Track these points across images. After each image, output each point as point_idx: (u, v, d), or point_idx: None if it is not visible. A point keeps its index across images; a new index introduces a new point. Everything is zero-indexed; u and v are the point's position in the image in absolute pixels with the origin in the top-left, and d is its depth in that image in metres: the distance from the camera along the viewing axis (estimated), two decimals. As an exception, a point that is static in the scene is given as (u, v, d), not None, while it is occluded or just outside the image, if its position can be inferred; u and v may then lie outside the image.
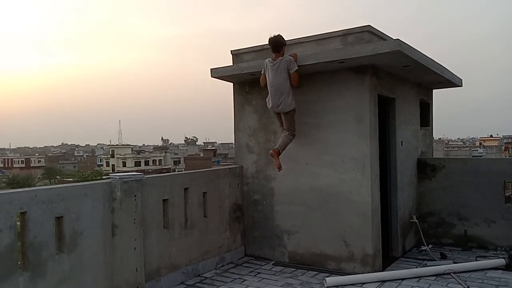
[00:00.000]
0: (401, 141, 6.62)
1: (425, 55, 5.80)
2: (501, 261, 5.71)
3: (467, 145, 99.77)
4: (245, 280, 5.54)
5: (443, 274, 5.47)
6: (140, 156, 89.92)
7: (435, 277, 5.42)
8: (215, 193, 6.13)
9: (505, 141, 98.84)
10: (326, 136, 5.85)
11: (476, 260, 6.07)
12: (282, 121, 5.82)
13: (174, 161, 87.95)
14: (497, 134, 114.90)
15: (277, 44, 5.60)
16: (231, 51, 6.73)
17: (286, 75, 5.49)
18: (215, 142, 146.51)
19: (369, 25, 5.54)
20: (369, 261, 5.57)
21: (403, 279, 5.37)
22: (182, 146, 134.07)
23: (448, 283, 5.23)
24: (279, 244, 6.31)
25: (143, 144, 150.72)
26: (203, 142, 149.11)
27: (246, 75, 6.17)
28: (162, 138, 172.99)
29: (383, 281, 5.29)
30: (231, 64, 6.60)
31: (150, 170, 72.17)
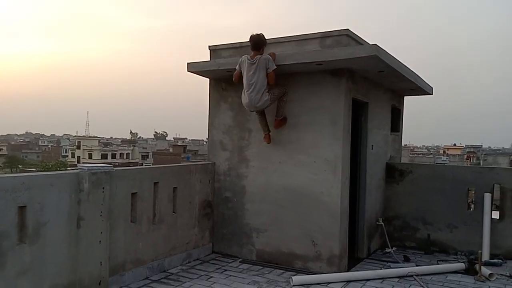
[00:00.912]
0: (372, 145, 6.74)
1: (400, 62, 5.93)
2: (461, 265, 5.90)
3: (431, 152, 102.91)
4: (212, 277, 5.50)
5: (406, 276, 5.60)
6: (107, 148, 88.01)
7: (398, 279, 5.54)
8: (185, 188, 6.06)
9: (467, 150, 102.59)
10: (300, 136, 5.88)
11: (438, 264, 6.26)
12: (266, 123, 5.88)
13: (142, 155, 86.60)
14: (460, 143, 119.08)
15: (258, 42, 5.59)
16: (209, 46, 6.67)
17: (264, 73, 5.49)
18: (186, 138, 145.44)
19: (347, 29, 5.60)
20: (335, 261, 5.64)
21: (368, 280, 5.47)
22: (151, 141, 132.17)
23: (411, 285, 5.36)
24: (247, 242, 6.30)
25: (111, 137, 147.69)
26: (173, 138, 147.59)
27: (223, 72, 6.13)
28: (131, 131, 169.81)
29: (348, 281, 5.37)
30: (209, 59, 6.54)
31: (117, 164, 70.81)
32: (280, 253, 6.02)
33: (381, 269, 5.94)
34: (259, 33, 5.67)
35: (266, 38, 5.71)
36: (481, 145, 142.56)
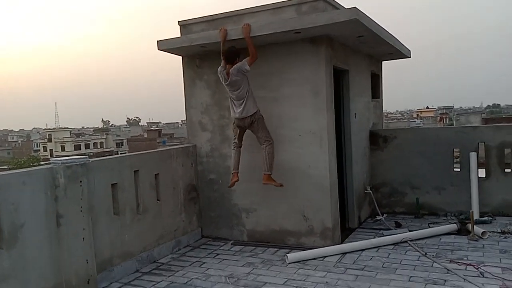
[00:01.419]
0: (355, 113, 6.59)
1: (380, 25, 5.73)
2: (453, 226, 5.90)
3: (405, 117, 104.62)
4: (204, 262, 5.32)
5: (401, 242, 5.56)
6: (80, 139, 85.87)
7: (393, 246, 5.50)
8: (167, 174, 5.80)
9: (440, 112, 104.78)
10: (282, 110, 5.66)
11: (429, 227, 6.24)
12: (242, 134, 5.59)
13: (116, 143, 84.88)
14: (432, 106, 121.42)
15: (230, 55, 5.31)
16: (178, 21, 6.30)
17: (243, 81, 5.28)
18: (160, 122, 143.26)
19: (323, -6, 5.34)
20: (329, 234, 5.54)
21: (363, 250, 5.40)
22: (124, 127, 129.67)
23: (406, 251, 5.32)
24: (237, 223, 6.13)
25: (82, 127, 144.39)
26: (147, 123, 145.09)
27: (197, 48, 5.81)
28: (102, 119, 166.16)
29: (344, 253, 5.29)
30: (179, 36, 6.19)
31: (91, 154, 69.32)
32: (272, 231, 5.88)
33: (374, 237, 5.88)
34: (230, 46, 5.38)
35: (239, 9, 5.43)
36: (453, 106, 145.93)
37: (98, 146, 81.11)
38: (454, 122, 78.10)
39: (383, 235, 5.95)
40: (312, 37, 5.38)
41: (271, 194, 5.81)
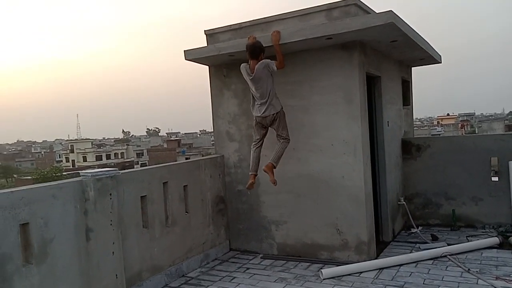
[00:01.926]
0: (387, 121, 6.36)
1: (414, 30, 5.51)
2: (495, 240, 5.59)
3: (425, 124, 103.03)
4: (235, 277, 5.14)
5: (440, 257, 5.28)
6: (101, 150, 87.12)
7: (432, 261, 5.22)
8: (196, 185, 5.66)
9: (461, 119, 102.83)
10: (313, 119, 5.48)
11: (467, 240, 5.95)
12: (264, 133, 5.35)
13: (137, 153, 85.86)
14: (453, 113, 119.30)
15: (254, 50, 5.07)
16: (205, 31, 6.21)
17: (268, 78, 5.06)
18: (179, 132, 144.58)
19: (355, -2, 5.17)
20: (364, 248, 5.30)
21: (401, 265, 5.14)
22: (145, 138, 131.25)
23: (447, 266, 5.04)
24: (266, 236, 5.94)
25: (104, 138, 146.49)
26: (166, 133, 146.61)
27: (224, 56, 5.69)
28: (123, 130, 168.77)
29: (381, 269, 5.04)
30: (206, 45, 6.09)
31: (113, 164, 70.13)
32: (303, 245, 5.66)
33: (411, 251, 5.62)
34: (255, 40, 5.16)
35: (267, 17, 5.28)
36: (474, 113, 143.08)
37: (119, 157, 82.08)
38: (476, 129, 76.49)
39: (420, 249, 5.67)
40: (344, 42, 5.20)
41: (302, 206, 5.62)
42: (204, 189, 5.81)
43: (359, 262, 5.19)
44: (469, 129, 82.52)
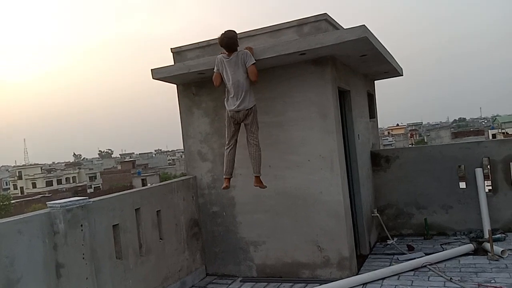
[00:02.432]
0: (358, 135, 6.39)
1: (381, 43, 5.60)
2: (469, 247, 5.68)
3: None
4: (216, 304, 4.90)
5: (421, 267, 5.29)
6: (52, 175, 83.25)
7: (413, 272, 5.22)
8: (169, 210, 5.40)
9: (409, 128, 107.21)
10: (289, 135, 5.40)
11: (442, 248, 6.03)
12: (236, 130, 5.17)
13: (89, 176, 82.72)
14: (402, 123, 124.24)
15: (230, 41, 4.98)
16: (171, 49, 6.03)
17: (244, 69, 4.93)
18: (133, 153, 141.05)
19: (325, 13, 5.19)
20: (346, 264, 5.22)
21: (383, 278, 5.09)
22: (97, 160, 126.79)
23: (429, 276, 5.05)
24: (245, 258, 5.74)
25: (53, 162, 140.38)
26: (120, 154, 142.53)
27: (194, 74, 5.52)
28: (74, 153, 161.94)
29: (365, 284, 4.97)
30: (173, 64, 5.90)
31: (64, 189, 67.06)
32: (284, 264, 5.51)
33: (390, 263, 5.61)
34: (228, 30, 5.06)
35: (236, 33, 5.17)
36: (421, 122, 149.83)
37: (71, 181, 78.69)
38: (425, 138, 79.95)
39: (399, 261, 5.68)
40: (317, 58, 5.19)
41: (281, 225, 5.49)
42: (177, 213, 5.55)
43: (342, 278, 5.10)
44: (417, 138, 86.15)
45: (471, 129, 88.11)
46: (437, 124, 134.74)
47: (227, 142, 5.22)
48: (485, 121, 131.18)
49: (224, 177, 5.22)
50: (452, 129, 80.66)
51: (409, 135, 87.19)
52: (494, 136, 50.99)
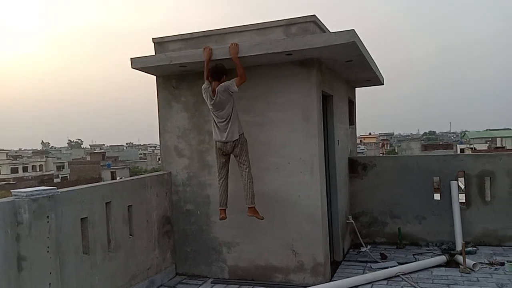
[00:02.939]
0: (338, 140, 6.35)
1: (367, 50, 5.57)
2: (442, 258, 5.71)
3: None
4: (185, 305, 4.73)
5: (394, 277, 5.27)
6: (18, 161, 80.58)
7: (386, 281, 5.20)
8: (141, 205, 5.19)
9: (381, 138, 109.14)
10: (270, 136, 5.29)
11: (415, 258, 6.05)
12: (226, 161, 5.14)
13: (57, 166, 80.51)
14: (374, 132, 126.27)
15: (216, 72, 4.90)
16: (153, 39, 5.82)
17: (228, 102, 4.86)
18: (103, 145, 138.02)
19: (314, 15, 5.11)
20: (320, 270, 5.15)
21: (356, 286, 5.05)
22: (66, 150, 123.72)
23: (402, 286, 5.03)
24: (217, 259, 5.59)
25: (20, 149, 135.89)
26: (89, 145, 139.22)
27: (175, 67, 5.34)
28: (42, 141, 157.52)
29: (337, 291, 4.91)
30: (155, 54, 5.70)
31: (30, 177, 64.97)
32: (257, 267, 5.39)
33: (363, 271, 5.57)
34: (218, 63, 4.98)
35: (221, 28, 5.07)
36: (393, 133, 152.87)
37: (37, 169, 76.36)
38: (396, 148, 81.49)
39: (372, 269, 5.66)
40: (303, 59, 5.10)
41: (256, 227, 5.36)
42: (149, 209, 5.35)
43: (315, 284, 5.03)
44: (388, 148, 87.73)
45: (441, 143, 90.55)
46: (408, 136, 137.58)
47: (218, 173, 5.16)
48: (454, 136, 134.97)
49: (219, 208, 5.15)
50: (422, 141, 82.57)
51: (380, 144, 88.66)
52: (462, 150, 52.38)
